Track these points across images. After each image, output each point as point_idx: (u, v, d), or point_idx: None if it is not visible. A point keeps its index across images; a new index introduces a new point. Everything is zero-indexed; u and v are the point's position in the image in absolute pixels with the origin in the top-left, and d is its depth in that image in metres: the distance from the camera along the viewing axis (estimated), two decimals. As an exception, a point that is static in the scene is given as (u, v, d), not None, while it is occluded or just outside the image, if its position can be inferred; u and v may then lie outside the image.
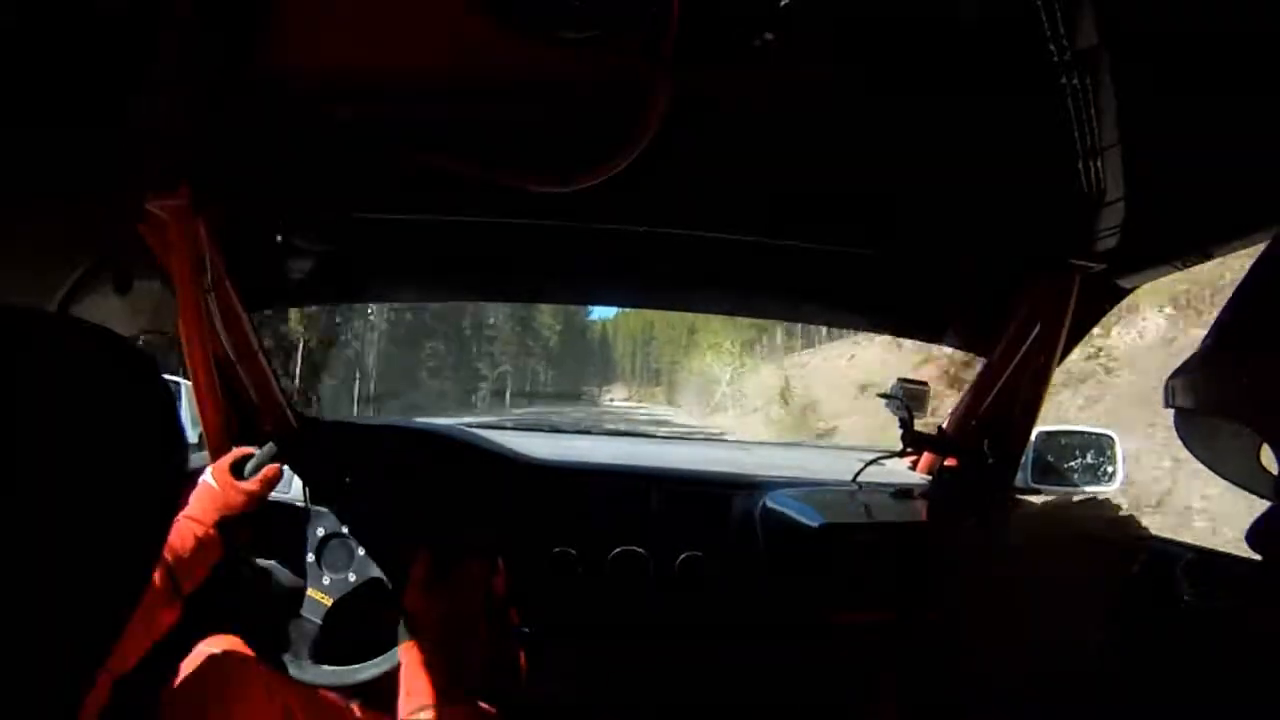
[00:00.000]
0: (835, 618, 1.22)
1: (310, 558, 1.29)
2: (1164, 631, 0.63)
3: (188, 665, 0.93)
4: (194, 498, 1.09)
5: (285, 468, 1.20)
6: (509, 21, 0.70)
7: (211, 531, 1.05)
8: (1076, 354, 1.93)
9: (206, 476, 1.12)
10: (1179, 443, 0.48)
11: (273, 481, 1.15)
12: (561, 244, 1.30)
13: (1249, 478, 0.43)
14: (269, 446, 1.17)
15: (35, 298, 0.94)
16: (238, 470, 1.14)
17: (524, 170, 0.93)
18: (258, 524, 1.15)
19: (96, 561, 0.34)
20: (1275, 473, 0.40)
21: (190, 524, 1.04)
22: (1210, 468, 0.46)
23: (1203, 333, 0.46)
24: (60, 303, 0.97)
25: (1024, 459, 1.32)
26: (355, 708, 1.08)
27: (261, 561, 1.26)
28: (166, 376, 0.78)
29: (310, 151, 0.98)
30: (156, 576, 0.94)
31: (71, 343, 0.35)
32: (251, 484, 1.12)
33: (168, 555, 0.98)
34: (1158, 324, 9.19)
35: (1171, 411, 0.48)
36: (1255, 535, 0.41)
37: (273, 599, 1.25)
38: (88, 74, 0.67)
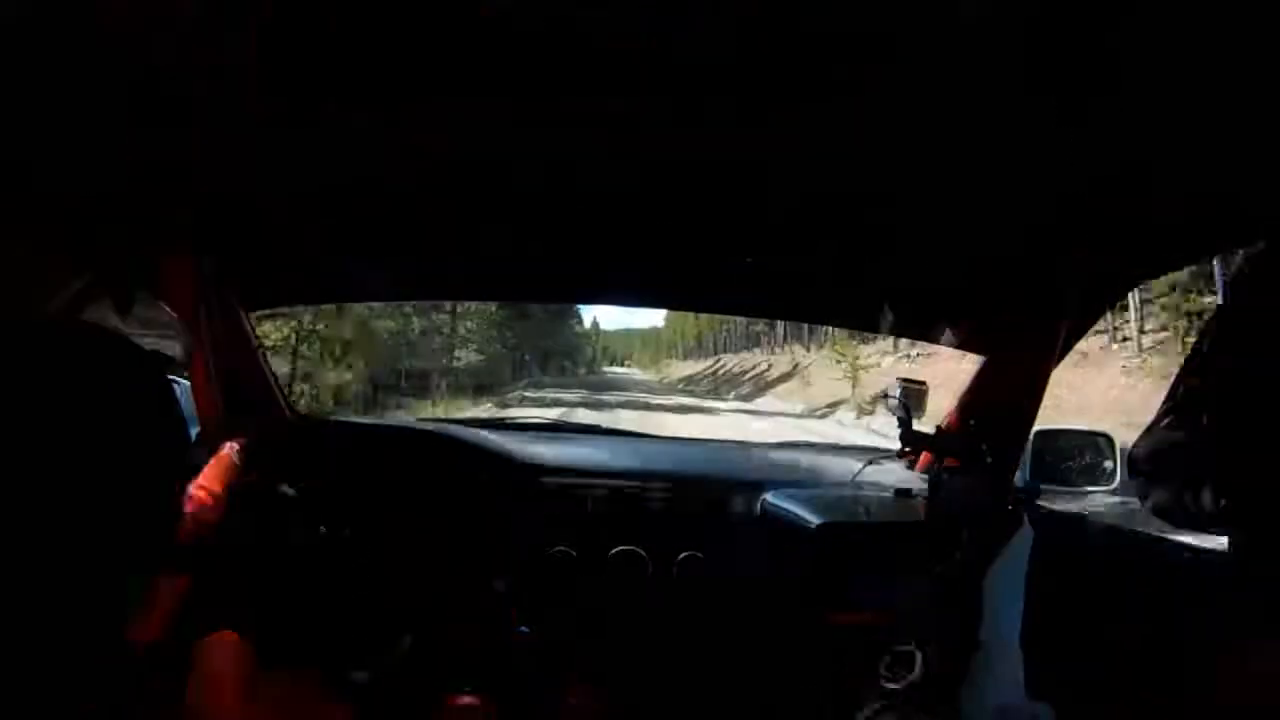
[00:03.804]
0: (833, 617, 1.22)
1: (307, 557, 1.29)
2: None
3: (193, 656, 0.93)
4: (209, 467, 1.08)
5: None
6: None
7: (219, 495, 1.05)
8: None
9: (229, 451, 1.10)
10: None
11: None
12: (560, 244, 1.30)
13: (1195, 519, 0.44)
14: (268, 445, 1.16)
15: (39, 303, 0.94)
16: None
17: None
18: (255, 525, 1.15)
19: (107, 551, 0.34)
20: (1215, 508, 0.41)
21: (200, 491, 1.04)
22: (1171, 524, 0.48)
23: None
24: (66, 308, 0.96)
25: (1022, 459, 1.32)
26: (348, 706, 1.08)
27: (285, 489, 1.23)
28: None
29: (308, 152, 0.97)
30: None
31: (81, 345, 0.36)
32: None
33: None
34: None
35: None
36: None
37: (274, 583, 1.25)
38: (94, 82, 0.67)
